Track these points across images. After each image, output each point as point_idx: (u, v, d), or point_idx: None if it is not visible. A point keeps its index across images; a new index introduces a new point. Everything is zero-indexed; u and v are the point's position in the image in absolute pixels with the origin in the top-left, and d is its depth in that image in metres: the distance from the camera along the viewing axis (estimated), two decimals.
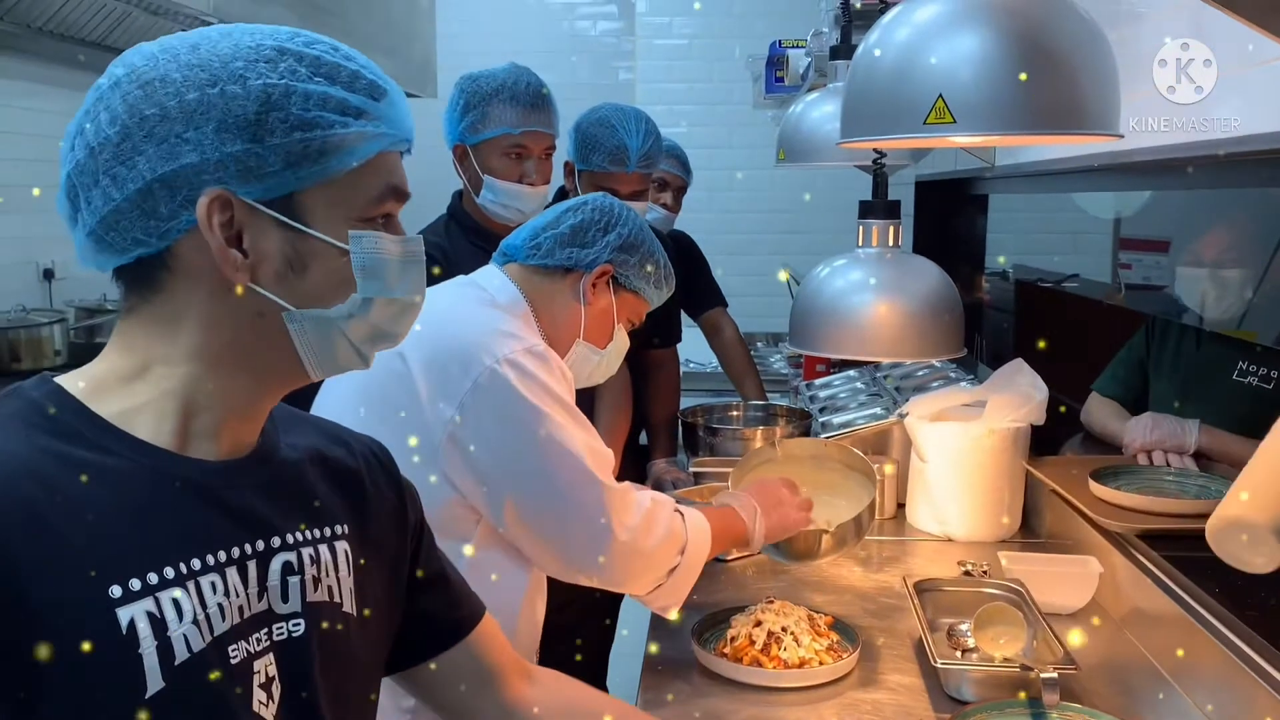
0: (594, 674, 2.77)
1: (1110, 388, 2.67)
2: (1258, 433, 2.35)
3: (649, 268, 1.65)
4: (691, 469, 2.43)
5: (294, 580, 0.88)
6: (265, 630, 0.86)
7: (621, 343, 1.69)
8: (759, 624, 1.67)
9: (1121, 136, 1.23)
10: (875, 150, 1.92)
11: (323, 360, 0.88)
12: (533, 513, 1.44)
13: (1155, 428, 2.25)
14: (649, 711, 1.52)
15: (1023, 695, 1.43)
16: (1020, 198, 3.27)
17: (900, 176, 3.36)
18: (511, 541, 1.47)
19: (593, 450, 1.45)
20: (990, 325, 3.62)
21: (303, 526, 0.91)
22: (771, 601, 1.73)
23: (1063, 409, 2.48)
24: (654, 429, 2.70)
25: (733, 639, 1.66)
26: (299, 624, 0.88)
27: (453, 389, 1.41)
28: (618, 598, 2.60)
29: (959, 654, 1.69)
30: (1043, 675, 1.38)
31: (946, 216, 3.71)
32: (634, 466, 2.59)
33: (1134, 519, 1.90)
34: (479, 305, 1.56)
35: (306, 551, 0.90)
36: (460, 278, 1.65)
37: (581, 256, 1.60)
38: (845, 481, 1.91)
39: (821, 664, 1.62)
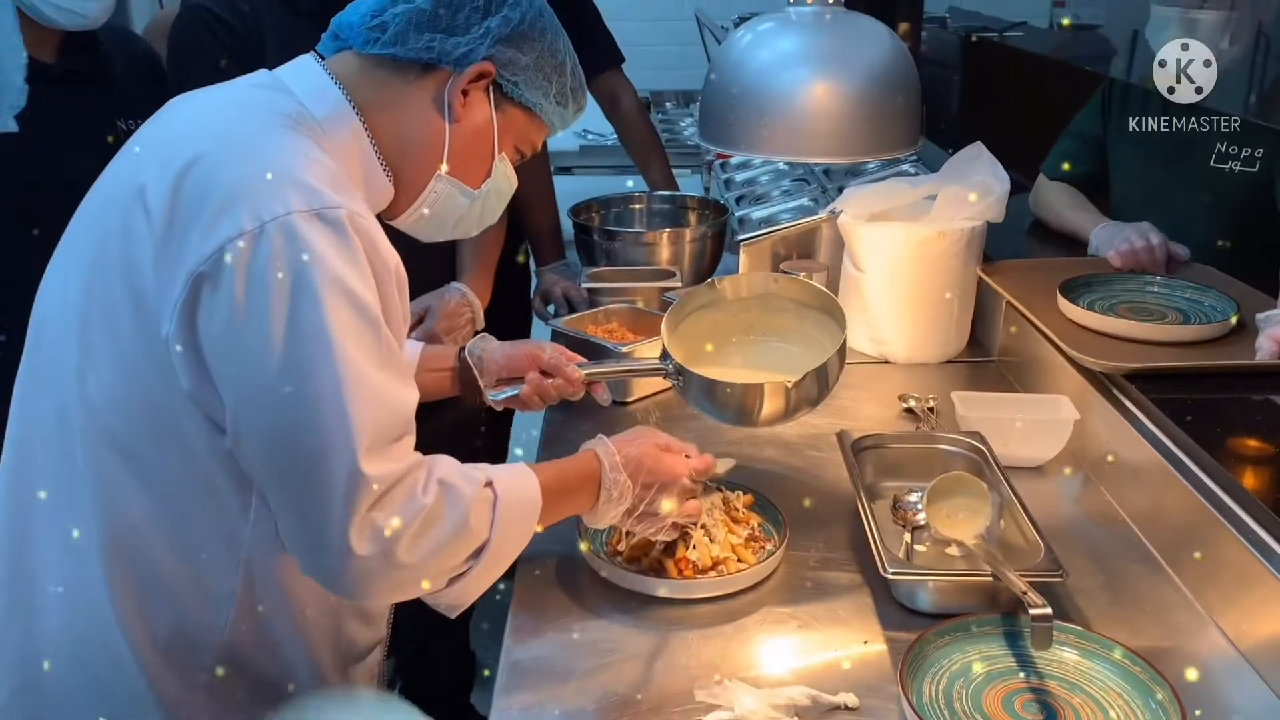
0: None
1: (1062, 170, 2.29)
2: (1247, 225, 2.03)
3: (550, 70, 1.13)
4: (585, 284, 1.99)
5: None
6: None
7: (505, 180, 1.19)
8: None
9: None
10: None
11: None
12: (260, 456, 0.97)
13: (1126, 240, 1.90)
14: (520, 638, 1.19)
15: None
16: None
17: None
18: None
19: (374, 399, 0.95)
20: (933, 87, 3.15)
21: None
22: None
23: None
24: (534, 238, 2.22)
25: (628, 535, 1.31)
26: None
27: (191, 251, 0.93)
28: (496, 444, 2.20)
29: (908, 534, 1.37)
30: (1033, 617, 1.01)
31: None
32: (515, 290, 2.14)
33: (1118, 353, 1.56)
34: (271, 122, 1.02)
35: None
36: (259, 74, 1.11)
37: (448, 48, 1.08)
38: (801, 324, 1.48)
39: (741, 561, 1.29)
